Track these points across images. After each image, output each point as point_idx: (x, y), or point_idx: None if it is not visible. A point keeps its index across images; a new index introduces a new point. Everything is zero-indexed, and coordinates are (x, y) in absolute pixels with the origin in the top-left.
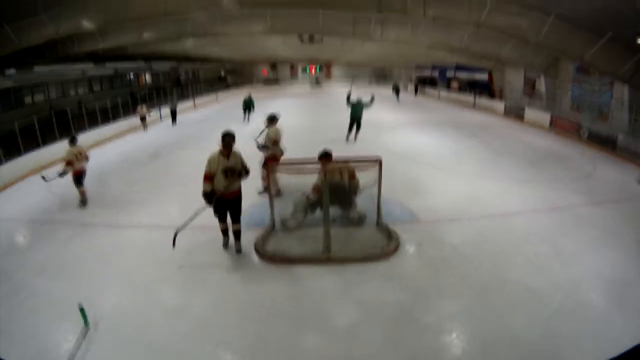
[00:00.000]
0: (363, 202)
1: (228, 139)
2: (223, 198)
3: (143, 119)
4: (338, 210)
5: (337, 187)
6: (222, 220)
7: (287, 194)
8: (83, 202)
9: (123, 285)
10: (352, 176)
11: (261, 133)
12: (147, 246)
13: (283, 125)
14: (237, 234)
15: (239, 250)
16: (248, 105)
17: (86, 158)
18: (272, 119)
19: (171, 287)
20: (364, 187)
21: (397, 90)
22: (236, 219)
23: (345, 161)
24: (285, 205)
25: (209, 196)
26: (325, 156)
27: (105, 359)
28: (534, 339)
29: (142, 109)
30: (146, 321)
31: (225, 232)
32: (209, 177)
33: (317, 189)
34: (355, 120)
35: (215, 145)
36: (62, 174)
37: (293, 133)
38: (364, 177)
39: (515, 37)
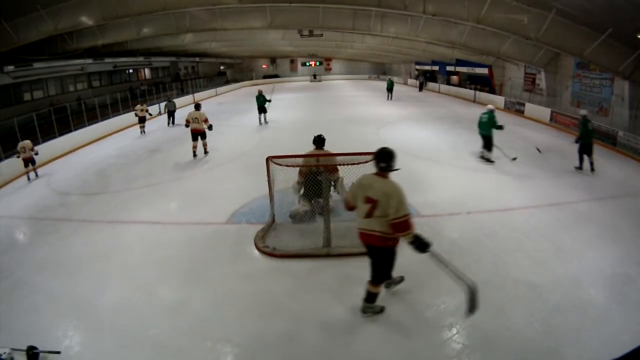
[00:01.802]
0: None
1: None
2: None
3: (142, 120)
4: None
5: (312, 175)
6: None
7: (283, 192)
8: (29, 178)
9: (123, 282)
10: (332, 170)
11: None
12: (147, 242)
13: (284, 121)
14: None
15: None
16: (262, 105)
17: (31, 149)
18: (196, 106)
19: (171, 283)
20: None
21: (390, 88)
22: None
23: (331, 154)
24: (282, 200)
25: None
26: (317, 141)
27: (105, 356)
28: (533, 335)
29: (142, 108)
30: (146, 317)
31: (388, 284)
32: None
33: (301, 173)
34: (485, 136)
35: (215, 141)
36: (17, 156)
37: (292, 129)
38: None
39: (516, 33)
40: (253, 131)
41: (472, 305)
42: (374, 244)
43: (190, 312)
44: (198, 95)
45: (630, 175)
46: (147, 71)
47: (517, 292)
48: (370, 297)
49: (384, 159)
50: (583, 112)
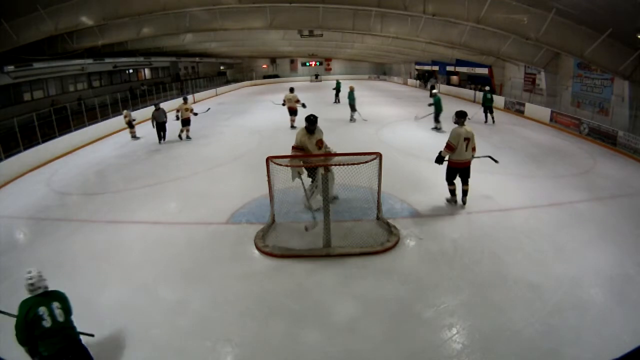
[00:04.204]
0: (364, 196)
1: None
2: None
3: (187, 122)
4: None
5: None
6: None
7: (283, 192)
8: (180, 138)
9: (123, 282)
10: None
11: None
12: (147, 242)
13: (284, 121)
14: (466, 192)
15: (464, 202)
16: (352, 103)
17: (126, 116)
18: (291, 89)
19: (171, 283)
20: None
21: (337, 90)
22: (466, 181)
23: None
24: (282, 200)
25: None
26: (308, 121)
27: (105, 356)
28: (533, 335)
29: (186, 107)
30: (146, 317)
31: (453, 192)
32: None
33: (295, 147)
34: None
35: (216, 141)
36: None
37: (293, 130)
38: (364, 172)
39: (515, 33)
40: (253, 131)
41: (494, 160)
42: (467, 166)
43: (190, 312)
44: (198, 96)
45: (630, 175)
46: (147, 71)
47: (517, 292)
48: (467, 193)
49: (463, 115)
50: (487, 88)
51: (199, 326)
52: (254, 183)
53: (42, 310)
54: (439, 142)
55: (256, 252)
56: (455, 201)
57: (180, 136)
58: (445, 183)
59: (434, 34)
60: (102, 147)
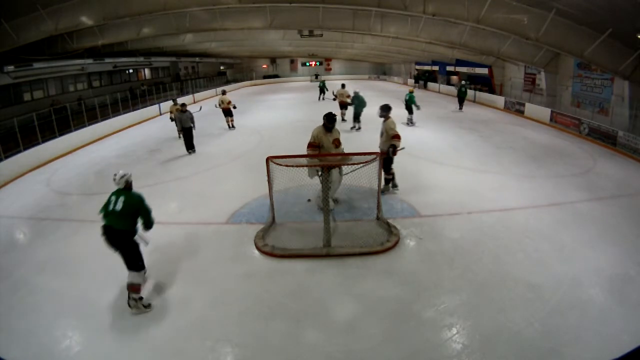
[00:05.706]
0: (364, 197)
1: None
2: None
3: (228, 112)
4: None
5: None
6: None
7: (283, 192)
8: (229, 126)
9: (123, 282)
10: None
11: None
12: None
13: (284, 122)
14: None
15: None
16: (408, 105)
17: (229, 103)
18: (342, 85)
19: (171, 283)
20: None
21: (321, 89)
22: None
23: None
24: (282, 200)
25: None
26: (328, 118)
27: (105, 356)
28: (533, 335)
29: (225, 100)
30: (146, 317)
31: (394, 176)
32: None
33: (311, 144)
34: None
35: (216, 141)
36: (216, 106)
37: (293, 130)
38: (364, 172)
39: (516, 33)
40: (253, 131)
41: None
42: None
43: (190, 312)
44: (198, 95)
45: (631, 175)
46: (147, 71)
47: (517, 292)
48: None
49: (389, 109)
50: (463, 82)
51: (199, 326)
52: (254, 183)
53: (112, 198)
54: (439, 142)
55: (256, 252)
56: (397, 185)
57: (232, 126)
58: (447, 184)
59: (434, 34)
60: (102, 147)
